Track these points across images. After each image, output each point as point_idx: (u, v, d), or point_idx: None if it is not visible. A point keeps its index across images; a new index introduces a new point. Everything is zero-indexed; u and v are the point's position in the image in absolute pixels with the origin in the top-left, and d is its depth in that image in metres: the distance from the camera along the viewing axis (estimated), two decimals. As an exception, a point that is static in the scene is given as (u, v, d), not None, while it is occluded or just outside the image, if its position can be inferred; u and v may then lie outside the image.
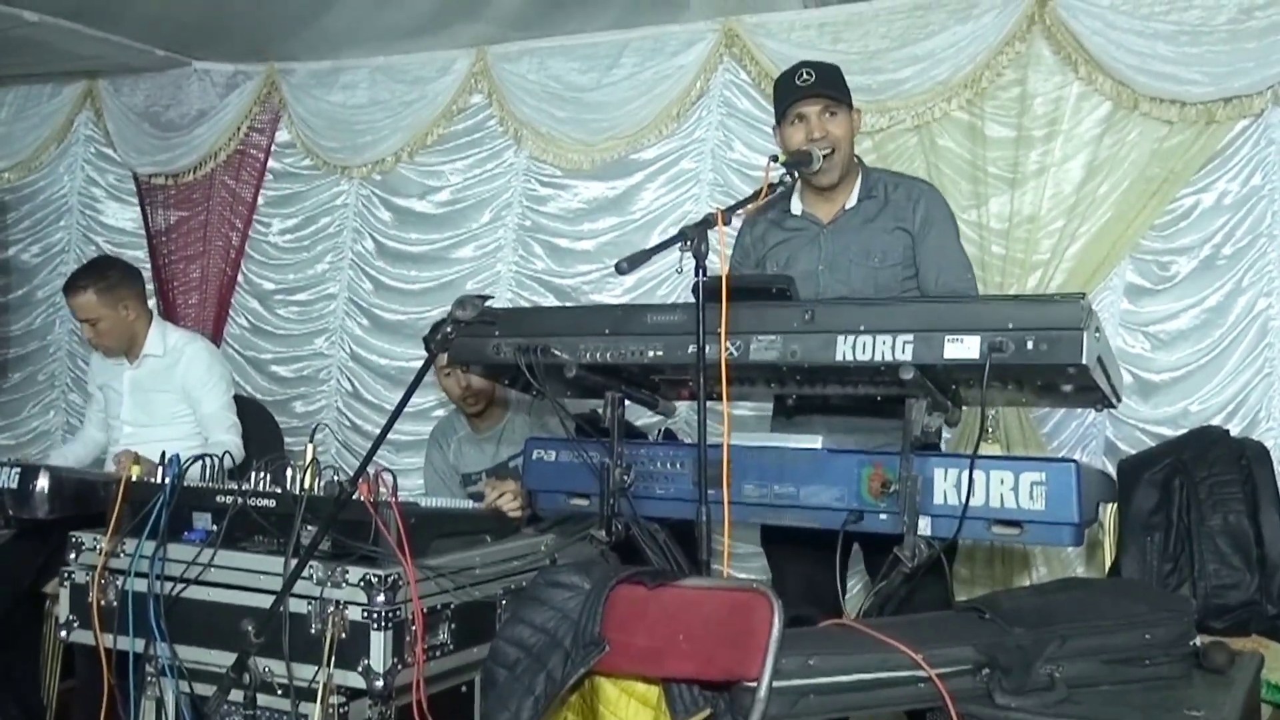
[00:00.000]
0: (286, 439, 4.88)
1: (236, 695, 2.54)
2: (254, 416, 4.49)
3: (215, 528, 2.83)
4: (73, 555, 3.00)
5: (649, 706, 2.11)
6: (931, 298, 2.98)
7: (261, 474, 2.88)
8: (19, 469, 3.41)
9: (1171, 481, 3.36)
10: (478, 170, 5.13)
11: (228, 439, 4.03)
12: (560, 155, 4.90)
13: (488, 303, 2.64)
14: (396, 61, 5.24)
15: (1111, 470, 3.59)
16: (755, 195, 2.75)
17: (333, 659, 2.56)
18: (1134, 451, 3.73)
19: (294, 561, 2.54)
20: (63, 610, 3.01)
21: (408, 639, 2.59)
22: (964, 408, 2.60)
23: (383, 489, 2.66)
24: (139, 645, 2.82)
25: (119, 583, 2.88)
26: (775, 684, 1.94)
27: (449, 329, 2.56)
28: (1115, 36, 3.91)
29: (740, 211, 2.74)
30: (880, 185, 3.18)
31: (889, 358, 2.36)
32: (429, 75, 5.16)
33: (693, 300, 2.48)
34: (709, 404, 2.48)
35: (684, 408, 3.54)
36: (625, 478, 2.73)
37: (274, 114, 5.50)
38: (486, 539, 3.03)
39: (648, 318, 2.64)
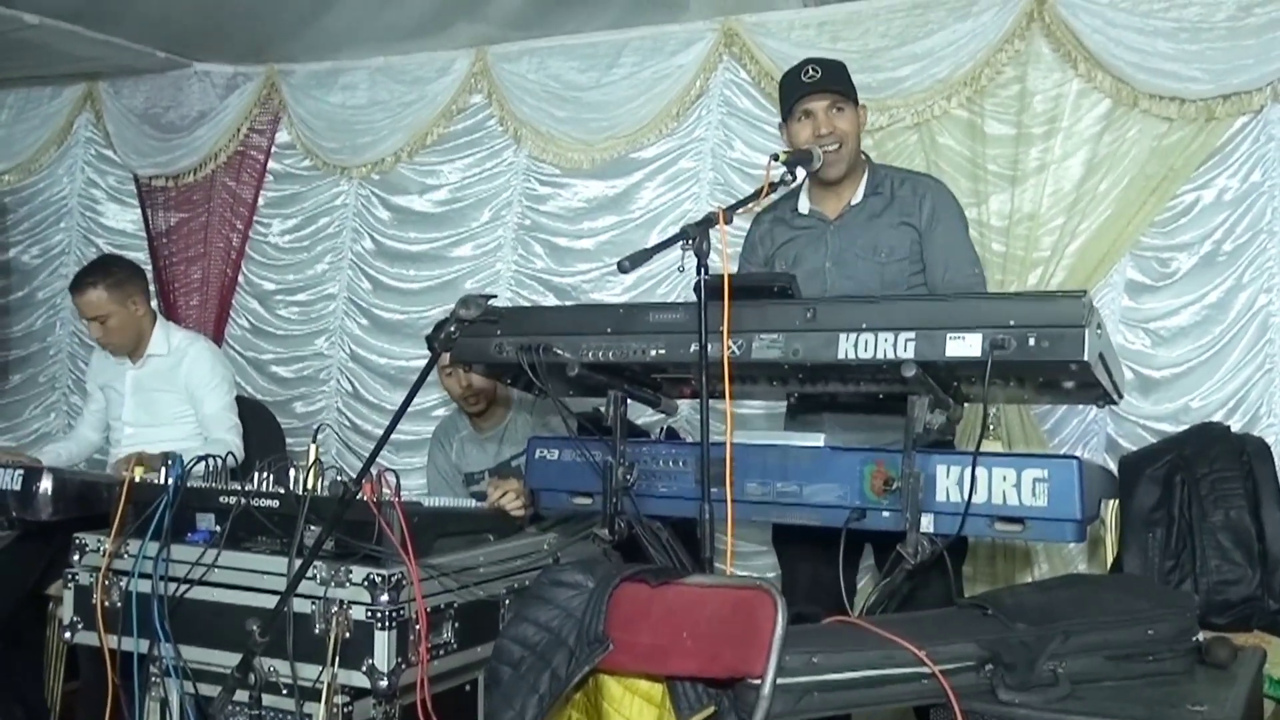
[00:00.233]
0: (287, 439, 4.89)
1: (241, 695, 2.54)
2: (256, 417, 4.50)
3: (219, 528, 2.84)
4: (76, 556, 3.00)
5: (653, 704, 2.12)
6: (933, 295, 2.99)
7: (264, 474, 2.88)
8: (22, 470, 3.41)
9: (1173, 478, 3.36)
10: (477, 170, 5.14)
11: (228, 439, 4.03)
12: (560, 155, 4.90)
13: (491, 302, 2.64)
14: (396, 62, 5.24)
15: (1113, 467, 3.60)
16: (756, 194, 2.75)
17: (337, 659, 2.56)
18: (1135, 448, 3.74)
19: (298, 561, 2.54)
20: (67, 611, 3.01)
21: (411, 638, 2.60)
22: (965, 405, 2.60)
23: (386, 489, 2.67)
24: (143, 646, 2.82)
25: (123, 584, 2.88)
26: (779, 681, 1.95)
27: (453, 328, 2.56)
28: (1114, 34, 3.92)
29: (742, 210, 2.75)
30: (887, 181, 3.19)
31: (891, 355, 2.36)
32: (429, 75, 5.17)
33: (694, 299, 2.48)
34: (711, 402, 2.48)
35: (685, 406, 3.54)
36: (628, 476, 2.73)
37: (274, 115, 5.50)
38: (489, 538, 3.03)
39: (650, 317, 2.64)
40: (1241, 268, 3.86)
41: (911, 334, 2.35)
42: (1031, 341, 2.25)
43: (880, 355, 2.38)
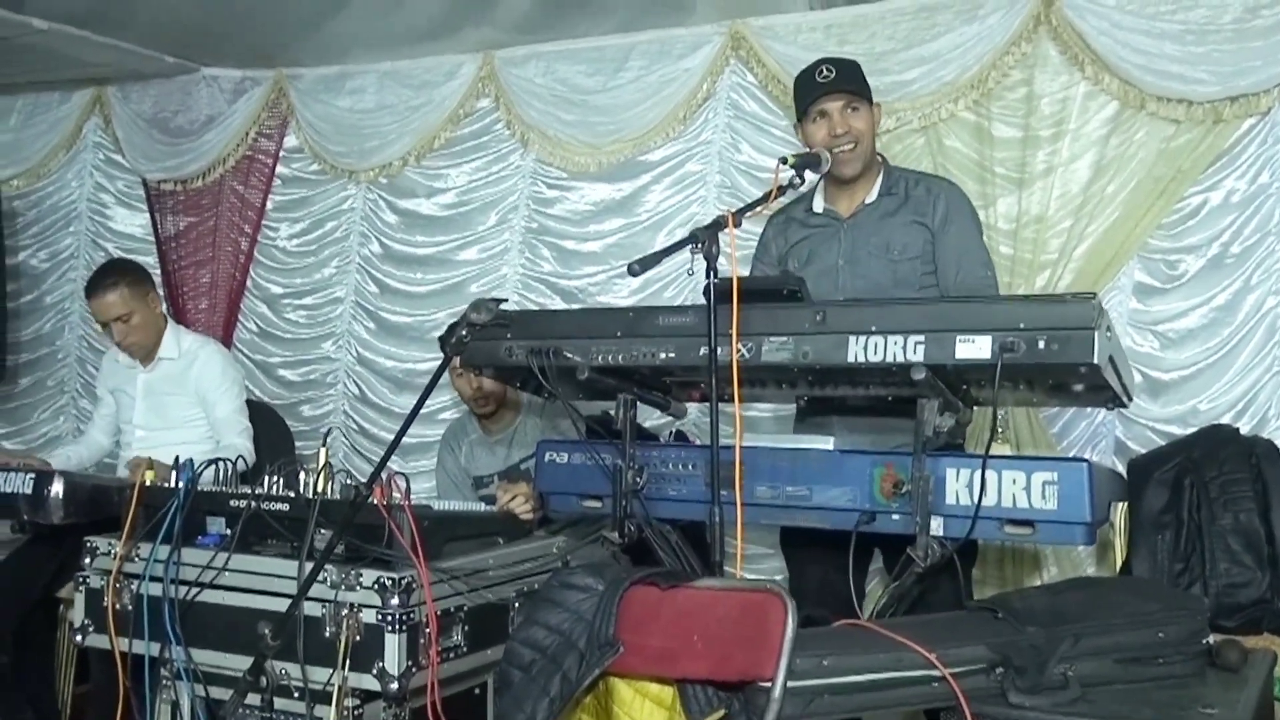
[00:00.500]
0: (295, 443, 4.90)
1: (253, 698, 2.55)
2: (265, 420, 4.50)
3: (229, 532, 2.84)
4: (88, 560, 3.01)
5: (663, 707, 2.12)
6: (942, 298, 2.99)
7: (274, 478, 2.89)
8: (34, 474, 3.42)
9: (1182, 480, 3.36)
10: (484, 173, 5.15)
11: (239, 442, 4.04)
12: (567, 158, 4.91)
13: (501, 306, 2.65)
14: (404, 66, 5.26)
15: (1122, 469, 3.59)
16: (765, 197, 2.76)
17: (347, 662, 2.57)
18: (1144, 451, 3.73)
19: (309, 565, 2.55)
20: (78, 614, 3.02)
21: (422, 641, 2.60)
22: (975, 408, 2.60)
23: (396, 492, 2.67)
24: (154, 649, 2.83)
25: (134, 587, 2.89)
26: (790, 684, 1.95)
27: (464, 332, 2.57)
28: (1122, 36, 3.92)
29: (750, 214, 2.75)
30: (901, 182, 3.20)
31: (900, 358, 2.37)
32: (436, 80, 5.18)
33: (703, 302, 2.49)
34: (720, 406, 2.49)
35: (694, 409, 3.54)
36: (638, 479, 2.74)
37: (282, 119, 5.52)
38: (499, 541, 3.03)
39: (659, 320, 2.65)
40: (1249, 270, 3.86)
41: (921, 337, 2.35)
42: (1041, 344, 2.25)
43: (890, 358, 2.38)
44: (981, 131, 4.17)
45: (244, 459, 3.21)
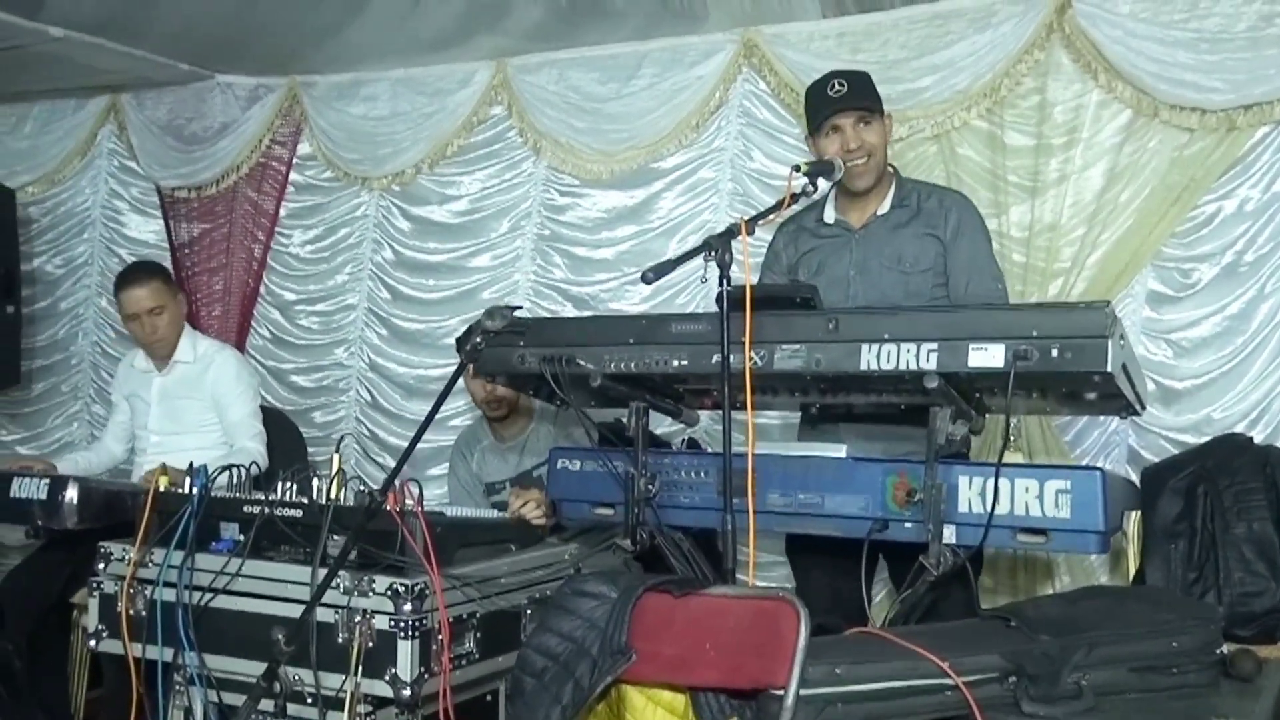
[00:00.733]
0: (308, 449, 4.91)
1: (266, 704, 2.56)
2: (278, 426, 4.52)
3: (242, 538, 2.86)
4: (101, 565, 3.03)
5: (676, 715, 2.12)
6: (955, 306, 2.99)
7: (288, 484, 2.90)
8: (48, 480, 3.43)
9: (1195, 489, 3.35)
10: (497, 180, 5.15)
11: (252, 447, 4.05)
12: (579, 165, 4.91)
13: (515, 313, 2.66)
14: (417, 74, 5.26)
15: (1135, 478, 3.59)
16: (778, 205, 2.76)
17: (360, 668, 2.58)
18: (1157, 459, 3.73)
19: (322, 571, 2.55)
20: (91, 620, 3.04)
21: (434, 648, 2.61)
22: (987, 416, 2.60)
23: (408, 499, 2.68)
24: (167, 654, 2.84)
25: (147, 592, 2.90)
26: (802, 692, 1.95)
27: (478, 339, 2.57)
28: (1135, 44, 3.91)
29: (763, 222, 2.76)
30: (914, 194, 3.20)
31: (913, 366, 2.37)
32: (449, 87, 5.19)
33: (715, 309, 2.49)
34: (733, 413, 2.49)
35: (706, 417, 3.54)
36: (650, 487, 2.74)
37: (295, 126, 5.53)
38: (511, 548, 3.04)
39: (672, 327, 2.65)
40: (1263, 278, 3.84)
41: (934, 345, 2.35)
42: (1054, 352, 2.25)
43: (902, 366, 2.38)
44: (994, 139, 4.17)
45: (257, 464, 3.22)
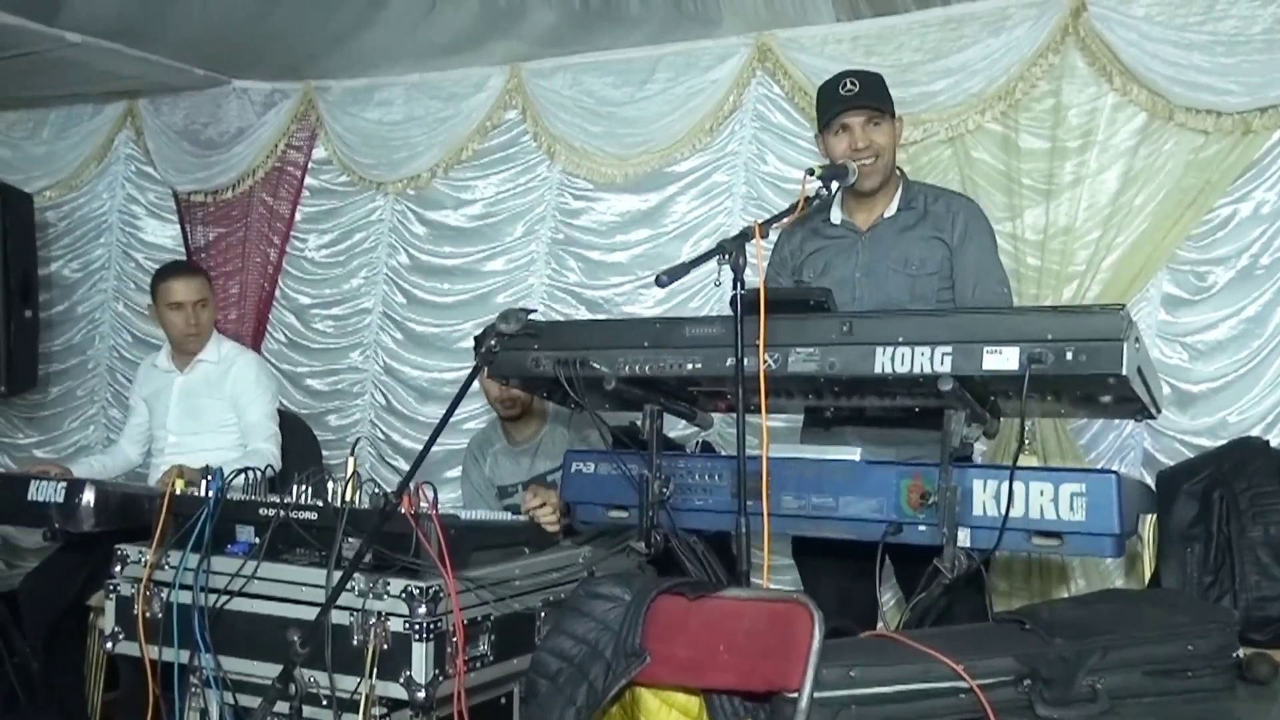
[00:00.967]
0: (323, 452, 4.93)
1: (281, 706, 2.57)
2: (293, 430, 4.54)
3: (258, 540, 2.87)
4: (118, 568, 3.04)
5: (690, 717, 2.13)
6: (970, 309, 2.98)
7: (303, 487, 2.91)
8: (65, 483, 3.45)
9: (1211, 493, 3.33)
10: (511, 185, 5.16)
11: (266, 448, 4.07)
12: (594, 169, 4.92)
13: (529, 316, 2.66)
14: (432, 78, 5.28)
15: (1150, 482, 3.57)
16: (793, 208, 2.76)
17: (375, 670, 2.59)
18: (1172, 463, 3.71)
19: (337, 573, 2.56)
20: (108, 622, 3.05)
21: (449, 650, 2.62)
22: (1001, 419, 2.60)
23: (423, 501, 2.69)
24: (184, 657, 2.85)
25: (164, 595, 2.91)
26: (816, 695, 1.95)
27: (493, 342, 2.58)
28: (1150, 47, 3.90)
29: (777, 225, 2.76)
30: (920, 197, 3.20)
31: (927, 369, 2.37)
32: (464, 92, 5.20)
33: (729, 312, 2.50)
34: (747, 416, 2.49)
35: (720, 420, 3.54)
36: (664, 490, 2.74)
37: (311, 131, 5.55)
38: (525, 551, 3.05)
39: (686, 331, 2.66)
40: (1279, 281, 3.83)
41: (948, 348, 2.35)
42: (1069, 355, 2.25)
43: (917, 369, 2.38)
44: (1009, 143, 4.16)
45: (271, 466, 3.24)
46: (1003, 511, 2.38)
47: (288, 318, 5.61)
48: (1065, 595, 3.91)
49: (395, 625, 2.59)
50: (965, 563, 2.42)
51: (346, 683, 2.61)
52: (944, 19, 4.27)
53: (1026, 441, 3.40)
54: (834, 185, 2.99)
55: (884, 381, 2.45)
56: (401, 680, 2.58)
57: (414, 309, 5.35)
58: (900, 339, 2.41)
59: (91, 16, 4.57)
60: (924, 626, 2.51)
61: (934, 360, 2.36)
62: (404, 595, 2.59)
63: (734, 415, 2.49)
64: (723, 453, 3.66)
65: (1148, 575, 3.47)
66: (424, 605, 2.57)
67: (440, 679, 2.59)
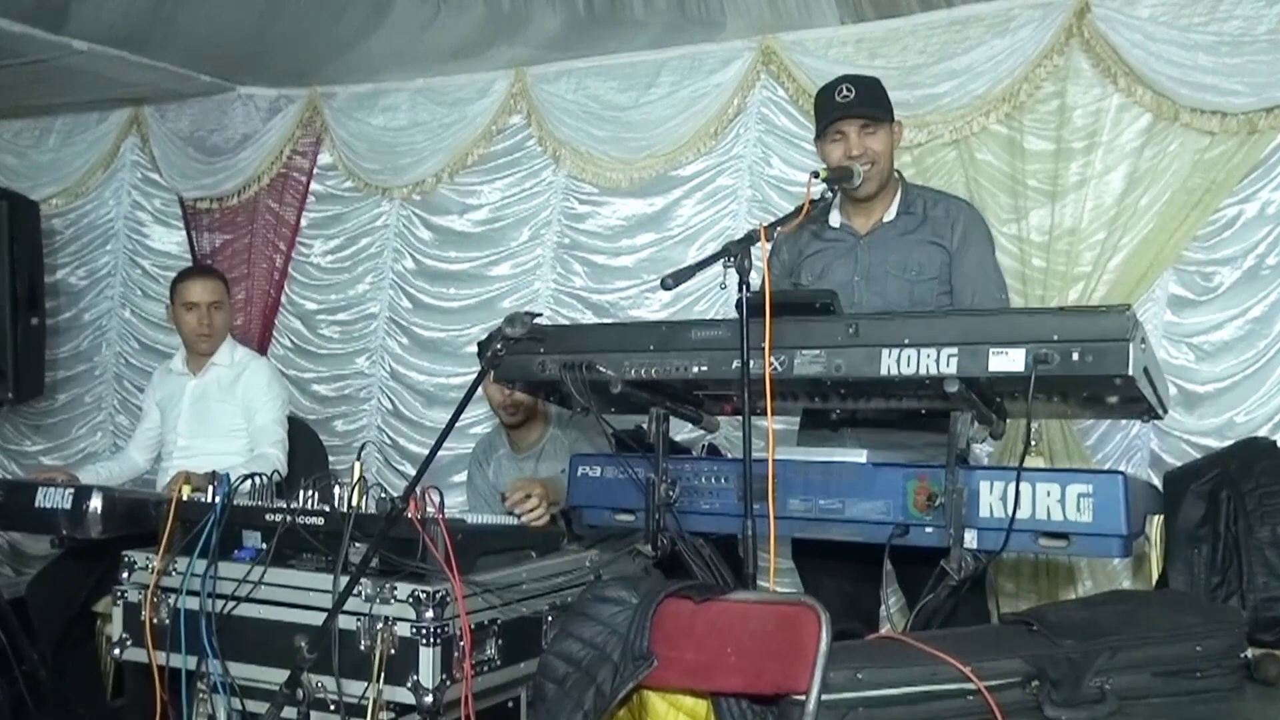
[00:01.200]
0: (329, 457, 4.93)
1: (289, 711, 2.56)
2: (299, 435, 4.54)
3: (265, 545, 2.87)
4: (125, 574, 3.05)
5: (697, 720, 2.13)
6: (975, 310, 2.98)
7: (309, 492, 2.91)
8: (72, 490, 3.46)
9: (1218, 493, 3.32)
10: (517, 189, 5.17)
11: (272, 453, 4.07)
12: (599, 174, 4.93)
13: (535, 320, 2.66)
14: (436, 84, 5.29)
15: (1157, 483, 3.57)
16: (798, 211, 2.76)
17: (382, 675, 2.59)
18: (1179, 464, 3.70)
19: (344, 579, 2.56)
20: (115, 628, 3.06)
21: (456, 655, 2.62)
22: (1008, 420, 2.59)
23: (429, 506, 2.69)
24: (191, 662, 2.85)
25: (171, 601, 2.92)
26: (824, 697, 1.95)
27: (499, 346, 2.58)
28: (1155, 48, 3.89)
29: (783, 228, 2.76)
30: (919, 201, 3.19)
31: (933, 371, 2.37)
32: (468, 97, 5.21)
33: (734, 315, 2.50)
34: (753, 419, 2.49)
35: (726, 422, 3.54)
36: (671, 493, 2.74)
37: (316, 137, 5.56)
38: (532, 555, 3.05)
39: (692, 333, 2.66)
40: (1286, 282, 3.83)
41: (954, 349, 2.35)
42: (1075, 356, 2.25)
43: (923, 371, 2.38)
44: (1014, 144, 4.16)
45: (278, 471, 3.24)
46: (1009, 513, 2.37)
47: (294, 323, 5.61)
48: (1072, 596, 3.90)
49: (402, 630, 2.59)
50: (972, 564, 2.42)
51: (354, 688, 2.61)
52: (948, 21, 4.27)
53: (1033, 443, 3.40)
54: (840, 188, 2.99)
55: (890, 383, 2.45)
56: (409, 685, 2.58)
57: (420, 314, 5.35)
58: (906, 341, 2.41)
59: (97, 24, 4.58)
60: (930, 628, 2.51)
61: (940, 362, 2.36)
62: (411, 600, 2.59)
63: (740, 418, 2.49)
64: (729, 456, 3.67)
65: (1155, 576, 3.46)
66: (431, 610, 2.57)
67: (448, 683, 2.59)
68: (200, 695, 2.90)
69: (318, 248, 5.59)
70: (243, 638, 2.81)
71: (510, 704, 2.91)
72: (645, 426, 2.80)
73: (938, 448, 2.60)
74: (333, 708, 2.62)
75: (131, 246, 5.99)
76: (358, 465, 2.92)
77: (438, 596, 2.59)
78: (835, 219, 3.25)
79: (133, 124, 5.92)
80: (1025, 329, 2.33)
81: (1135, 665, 2.10)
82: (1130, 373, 2.21)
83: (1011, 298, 3.44)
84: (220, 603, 2.83)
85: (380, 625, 2.61)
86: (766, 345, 2.46)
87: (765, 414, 2.60)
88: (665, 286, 2.51)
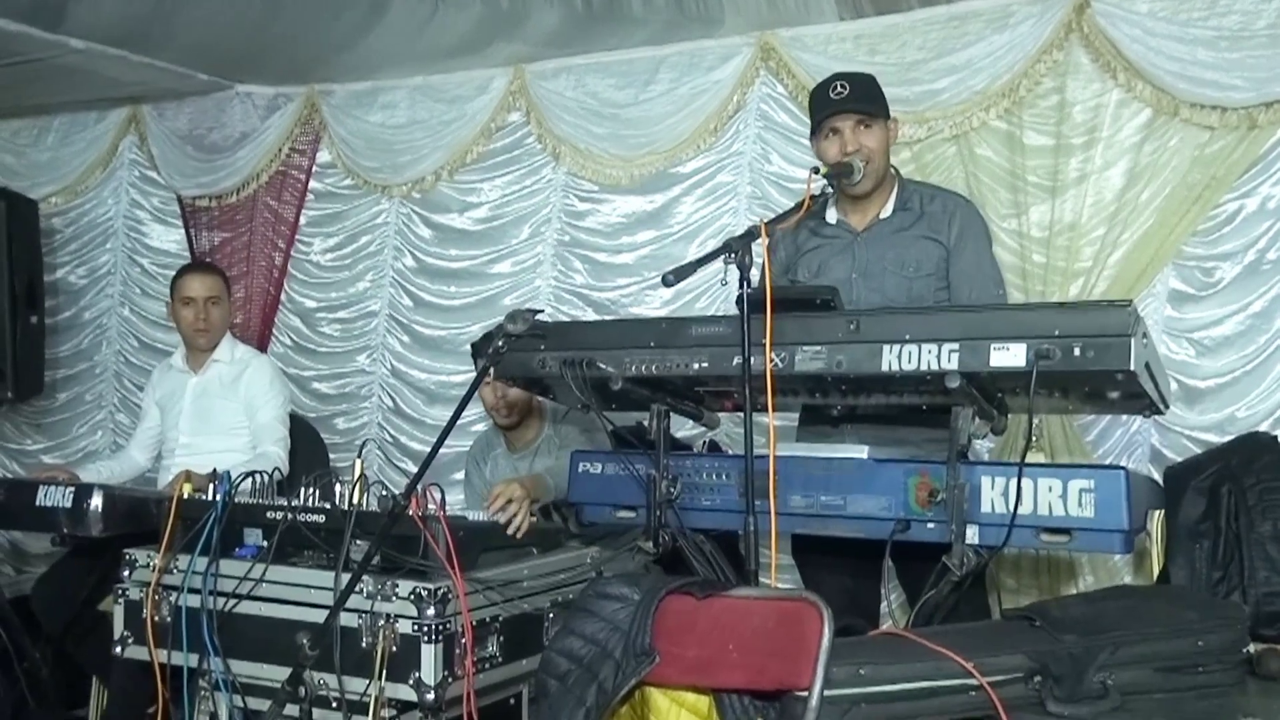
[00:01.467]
0: (330, 455, 4.93)
1: (291, 709, 2.57)
2: (300, 433, 4.53)
3: (266, 543, 2.87)
4: (127, 572, 3.05)
5: (700, 717, 2.13)
6: (976, 306, 2.97)
7: (310, 490, 2.91)
8: (73, 488, 3.46)
9: (1219, 488, 3.33)
10: (516, 187, 5.17)
11: (273, 451, 4.07)
12: (598, 171, 4.93)
13: (536, 317, 2.66)
14: (435, 81, 5.29)
15: (1158, 478, 3.57)
16: (799, 207, 2.76)
17: (384, 672, 2.59)
18: (1180, 459, 3.71)
19: (345, 576, 2.56)
20: (117, 626, 3.06)
21: (457, 652, 2.62)
22: (1009, 415, 2.59)
23: (431, 504, 2.69)
24: (193, 660, 2.85)
25: (172, 599, 2.92)
26: (826, 693, 1.95)
27: (500, 343, 2.58)
28: (1154, 43, 3.89)
29: (783, 224, 2.75)
30: (916, 197, 3.18)
31: (934, 367, 2.36)
32: (467, 94, 5.21)
33: (734, 312, 2.49)
34: (754, 415, 2.49)
35: (727, 419, 3.54)
36: (671, 490, 2.73)
37: (315, 135, 5.56)
38: (533, 552, 3.05)
39: (693, 330, 2.65)
40: (1286, 276, 3.83)
41: (955, 345, 2.35)
42: (1077, 351, 2.24)
43: (924, 366, 2.37)
44: (1013, 140, 4.16)
45: (279, 469, 3.24)
46: (1011, 508, 2.37)
47: (293, 321, 5.61)
48: (1074, 592, 3.91)
49: (404, 627, 2.60)
50: (974, 560, 2.42)
51: (356, 685, 2.62)
52: (947, 17, 4.27)
53: (1034, 438, 3.40)
54: (839, 184, 2.99)
55: (891, 379, 2.44)
56: (411, 682, 2.58)
57: (421, 312, 5.35)
58: (907, 336, 2.40)
59: (95, 23, 4.58)
60: (931, 624, 2.51)
61: (941, 357, 2.36)
62: (412, 597, 2.59)
63: (741, 414, 2.49)
64: (730, 452, 3.67)
65: (1156, 571, 3.46)
66: (432, 607, 2.58)
67: (449, 680, 2.60)
68: (202, 693, 2.91)
69: (317, 245, 5.60)
70: (244, 635, 2.81)
71: (512, 701, 2.91)
72: (646, 423, 2.80)
73: (939, 443, 2.60)
74: (335, 705, 2.62)
75: (130, 245, 5.99)
76: (359, 463, 2.92)
77: (439, 594, 2.59)
78: (832, 215, 3.24)
79: (131, 122, 5.92)
80: (1026, 324, 2.33)
81: (1137, 660, 2.10)
82: (1132, 368, 2.21)
83: (1012, 293, 3.45)
84: (222, 600, 2.83)
85: (382, 622, 2.61)
86: (767, 341, 2.46)
87: (766, 410, 2.60)
88: (666, 283, 2.51)
